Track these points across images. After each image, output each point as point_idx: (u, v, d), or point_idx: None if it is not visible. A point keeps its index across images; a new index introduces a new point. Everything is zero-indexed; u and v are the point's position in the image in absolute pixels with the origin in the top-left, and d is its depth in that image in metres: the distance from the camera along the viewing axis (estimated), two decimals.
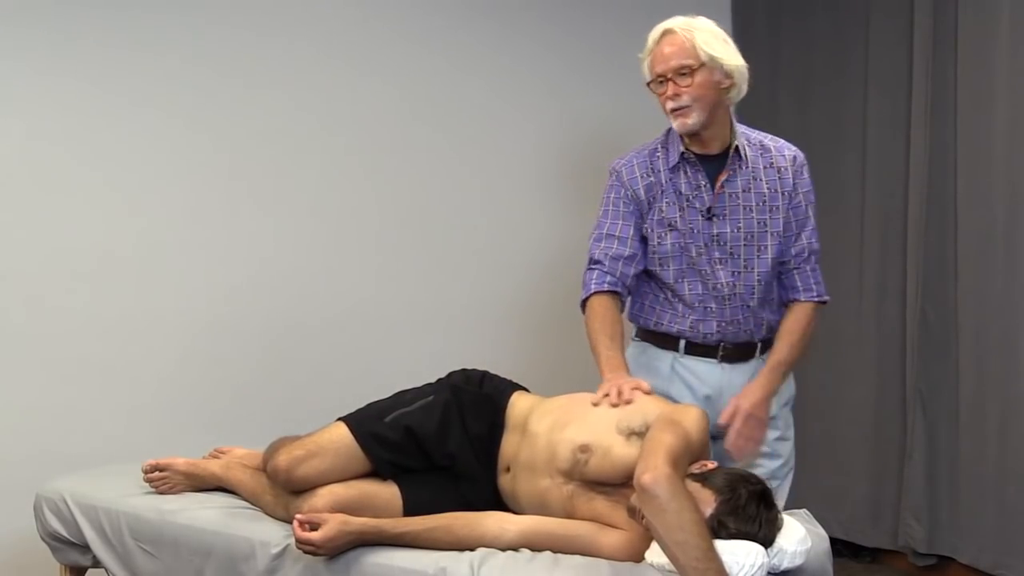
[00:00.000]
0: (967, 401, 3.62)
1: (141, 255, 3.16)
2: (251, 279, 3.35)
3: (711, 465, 2.13)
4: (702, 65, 2.46)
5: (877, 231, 3.92)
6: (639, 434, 2.15)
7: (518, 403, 2.37)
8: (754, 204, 2.55)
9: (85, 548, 2.52)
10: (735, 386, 2.58)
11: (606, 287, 2.58)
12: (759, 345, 2.64)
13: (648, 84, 2.54)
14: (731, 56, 2.49)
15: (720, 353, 2.61)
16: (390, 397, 2.40)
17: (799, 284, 2.62)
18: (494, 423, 2.35)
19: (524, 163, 3.79)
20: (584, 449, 2.18)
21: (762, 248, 2.56)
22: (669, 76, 2.47)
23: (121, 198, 3.13)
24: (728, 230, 2.55)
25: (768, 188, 2.55)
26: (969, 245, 3.59)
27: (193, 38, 3.21)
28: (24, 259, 3.00)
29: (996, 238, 3.51)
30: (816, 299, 2.63)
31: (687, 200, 2.57)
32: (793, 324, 2.61)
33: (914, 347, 3.78)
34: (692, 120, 2.48)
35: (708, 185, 2.55)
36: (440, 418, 2.31)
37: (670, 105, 2.49)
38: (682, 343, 2.63)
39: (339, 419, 2.34)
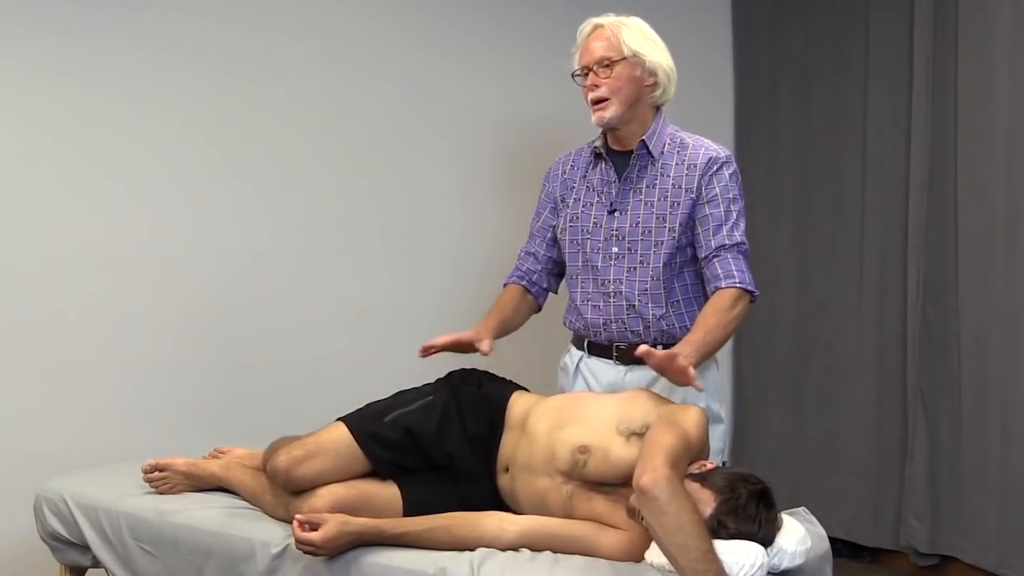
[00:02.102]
0: (968, 400, 3.62)
1: (141, 255, 3.16)
2: (252, 280, 3.35)
3: (710, 465, 2.13)
4: (623, 59, 2.51)
5: (877, 231, 3.92)
6: (639, 434, 2.14)
7: (517, 403, 2.37)
8: (656, 199, 2.55)
9: (85, 548, 2.52)
10: (631, 387, 2.51)
11: (513, 280, 2.79)
12: (660, 348, 2.51)
13: (573, 76, 2.59)
14: (655, 54, 2.53)
15: (614, 353, 2.62)
16: (390, 397, 2.40)
17: (719, 272, 2.50)
18: (493, 423, 2.35)
19: (513, 155, 3.77)
20: (583, 450, 2.18)
21: (658, 244, 2.54)
22: (591, 68, 2.53)
23: (122, 199, 3.13)
24: (627, 224, 2.57)
25: (673, 184, 2.55)
26: (969, 244, 3.59)
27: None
28: (24, 259, 3.00)
29: (996, 237, 3.51)
30: (737, 285, 2.48)
31: (597, 195, 2.61)
32: (707, 307, 2.47)
33: (915, 346, 3.78)
34: (609, 114, 2.53)
35: (617, 180, 2.59)
36: (439, 418, 2.32)
37: (590, 96, 2.54)
38: (586, 342, 2.68)
39: (339, 419, 2.34)
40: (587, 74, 2.55)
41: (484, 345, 2.53)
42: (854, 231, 3.98)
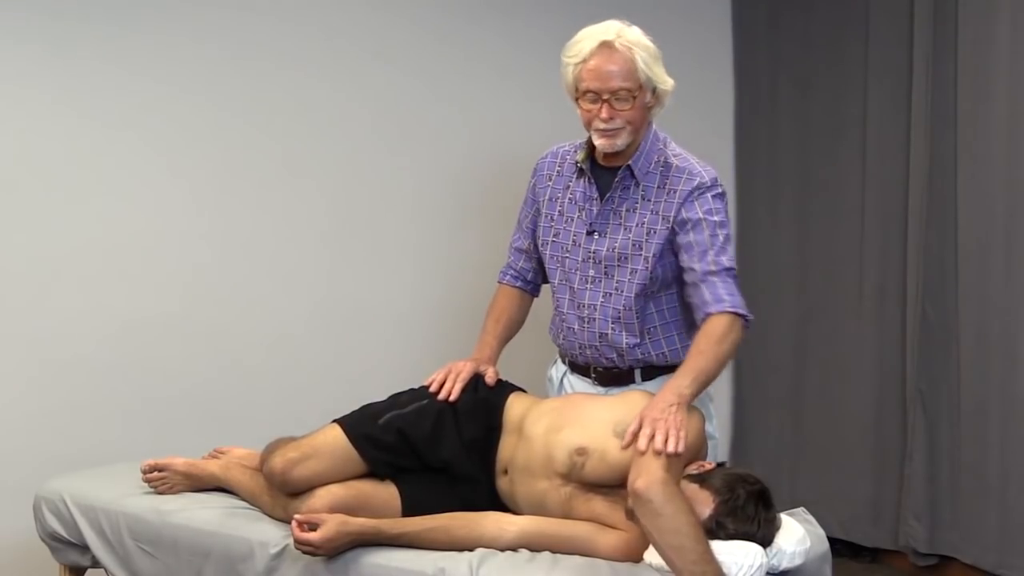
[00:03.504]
0: (968, 400, 3.61)
1: (141, 256, 3.16)
2: (251, 280, 3.35)
3: (709, 466, 2.13)
4: (640, 87, 2.38)
5: (877, 231, 3.91)
6: None
7: (514, 405, 2.37)
8: (634, 225, 2.46)
9: (84, 548, 2.52)
10: None
11: (506, 280, 2.74)
12: (638, 372, 2.53)
13: (577, 99, 2.43)
14: (665, 79, 2.41)
15: (593, 375, 2.58)
16: (386, 399, 2.40)
17: (707, 298, 2.36)
18: (490, 426, 2.34)
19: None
20: (581, 452, 2.18)
21: (633, 272, 2.46)
22: (605, 97, 2.37)
23: (121, 200, 3.13)
24: (604, 248, 2.49)
25: (652, 211, 2.45)
26: (969, 244, 3.58)
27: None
28: (23, 259, 3.00)
29: (996, 237, 3.51)
30: (728, 310, 2.34)
31: (579, 210, 2.54)
32: (699, 337, 2.34)
33: (914, 347, 3.77)
34: (621, 141, 2.42)
35: (598, 199, 2.51)
36: (434, 423, 2.32)
37: (601, 125, 2.40)
38: (567, 359, 2.65)
39: (334, 421, 2.35)
40: (596, 100, 2.38)
41: (489, 376, 2.47)
42: (854, 231, 3.98)
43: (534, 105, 3.66)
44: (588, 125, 2.45)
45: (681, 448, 2.09)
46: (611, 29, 2.39)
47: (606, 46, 2.37)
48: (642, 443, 2.08)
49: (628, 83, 2.36)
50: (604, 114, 2.38)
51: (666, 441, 2.08)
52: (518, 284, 2.74)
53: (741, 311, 2.37)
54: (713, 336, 2.32)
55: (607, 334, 2.50)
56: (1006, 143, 3.46)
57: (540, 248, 2.63)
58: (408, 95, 3.59)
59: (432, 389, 2.39)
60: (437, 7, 3.65)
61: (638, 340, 2.50)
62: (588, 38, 2.40)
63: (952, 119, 3.63)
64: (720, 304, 2.35)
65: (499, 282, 2.77)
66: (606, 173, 2.52)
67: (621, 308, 2.48)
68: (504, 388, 2.45)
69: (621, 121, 2.39)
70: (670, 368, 2.48)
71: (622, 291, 2.48)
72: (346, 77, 3.48)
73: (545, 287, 2.77)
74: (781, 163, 4.20)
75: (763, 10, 4.24)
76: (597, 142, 2.45)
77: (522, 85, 3.73)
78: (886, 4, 3.85)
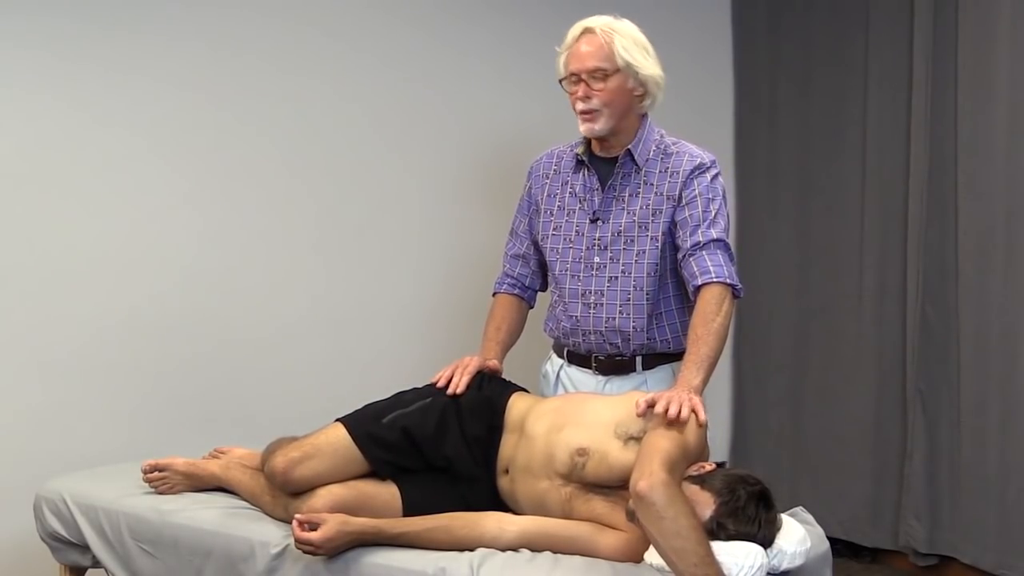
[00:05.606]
0: (968, 400, 3.62)
1: (141, 256, 3.16)
2: (252, 280, 3.35)
3: (709, 467, 2.13)
4: (617, 71, 2.46)
5: (877, 231, 3.92)
6: (637, 439, 2.14)
7: (516, 404, 2.38)
8: (638, 208, 2.51)
9: (85, 548, 2.52)
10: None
11: (503, 289, 2.75)
12: (639, 359, 2.55)
13: (561, 81, 2.54)
14: (648, 66, 2.48)
15: (594, 364, 2.59)
16: (389, 398, 2.40)
17: (695, 270, 2.42)
18: (492, 425, 2.35)
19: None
20: (582, 452, 2.18)
21: (640, 253, 2.50)
22: (583, 77, 2.47)
23: (121, 201, 3.12)
24: (609, 233, 2.53)
25: (656, 193, 2.50)
26: (969, 244, 3.59)
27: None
28: (23, 259, 2.99)
29: (996, 237, 3.51)
30: (715, 280, 2.39)
31: (580, 202, 2.58)
32: (694, 319, 2.38)
33: (914, 347, 3.78)
34: (599, 126, 2.49)
35: (600, 188, 2.56)
36: (438, 420, 2.32)
37: (580, 106, 2.49)
38: (565, 350, 2.66)
39: (337, 420, 2.35)
40: (577, 82, 2.48)
41: (492, 365, 2.53)
42: (854, 231, 3.98)
43: (533, 105, 3.66)
44: (573, 109, 2.53)
45: (703, 418, 2.15)
46: (598, 19, 2.51)
47: (588, 31, 2.50)
48: (659, 407, 2.13)
49: (603, 64, 2.46)
50: (580, 92, 2.48)
51: (679, 413, 2.12)
52: (515, 292, 2.74)
53: (728, 281, 2.42)
54: (706, 316, 2.37)
55: (614, 319, 2.53)
56: (1006, 143, 3.47)
57: (541, 243, 2.65)
58: (407, 95, 3.59)
59: (440, 384, 2.40)
60: (436, 7, 3.65)
61: (645, 322, 2.52)
62: (575, 28, 2.52)
63: (952, 119, 3.63)
64: (706, 275, 2.42)
65: (495, 293, 2.77)
66: (605, 164, 2.57)
67: (631, 290, 2.51)
68: (506, 387, 2.45)
69: (598, 102, 2.47)
70: (671, 356, 2.53)
71: (630, 273, 2.51)
72: (345, 77, 3.48)
73: (542, 295, 2.79)
74: (781, 163, 4.20)
75: (763, 10, 4.25)
76: (580, 128, 2.53)
77: (521, 85, 3.74)
78: (886, 4, 3.86)
